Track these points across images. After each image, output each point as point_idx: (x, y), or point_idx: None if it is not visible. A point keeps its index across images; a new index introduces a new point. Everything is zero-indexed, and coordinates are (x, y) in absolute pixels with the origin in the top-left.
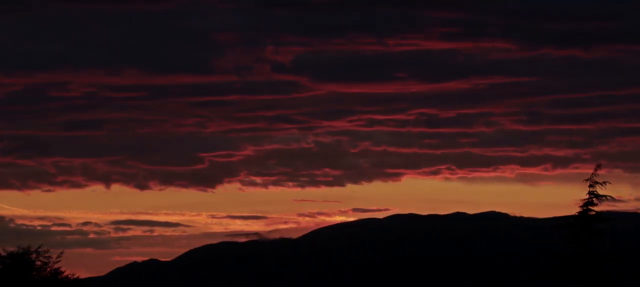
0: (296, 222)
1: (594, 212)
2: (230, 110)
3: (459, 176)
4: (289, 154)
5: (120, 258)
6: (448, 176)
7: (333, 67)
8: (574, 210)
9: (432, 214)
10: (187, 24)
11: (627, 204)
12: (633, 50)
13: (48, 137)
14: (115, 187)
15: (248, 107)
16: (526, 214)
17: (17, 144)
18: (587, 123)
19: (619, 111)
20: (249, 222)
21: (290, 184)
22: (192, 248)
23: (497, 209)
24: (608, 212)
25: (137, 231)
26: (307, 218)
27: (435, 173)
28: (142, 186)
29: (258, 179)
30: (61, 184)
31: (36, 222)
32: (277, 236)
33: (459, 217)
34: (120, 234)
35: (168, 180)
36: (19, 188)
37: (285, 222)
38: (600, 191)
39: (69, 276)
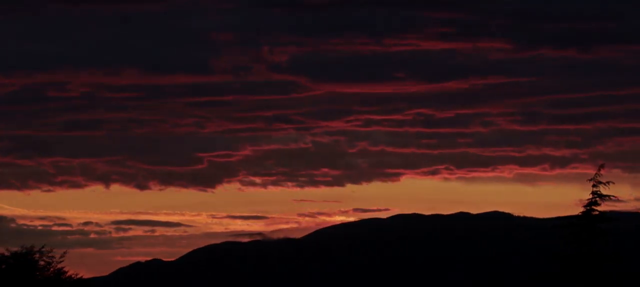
0: (297, 222)
1: (597, 212)
2: (228, 111)
3: (457, 176)
4: (288, 154)
5: (122, 258)
6: (447, 176)
7: (331, 67)
8: (576, 210)
9: (435, 214)
10: (185, 24)
11: (627, 204)
12: (631, 50)
13: (47, 137)
14: (115, 187)
15: (246, 107)
16: (527, 214)
17: (16, 144)
18: (585, 123)
19: (617, 111)
20: (249, 222)
21: (289, 184)
22: (194, 248)
23: (500, 209)
24: (609, 213)
25: (138, 231)
26: (307, 218)
27: (434, 173)
28: (141, 186)
29: (257, 179)
30: (61, 184)
31: (37, 222)
32: (279, 236)
33: (462, 217)
34: (121, 234)
35: (167, 180)
36: (18, 188)
37: (287, 222)
38: (604, 190)
39: (72, 276)
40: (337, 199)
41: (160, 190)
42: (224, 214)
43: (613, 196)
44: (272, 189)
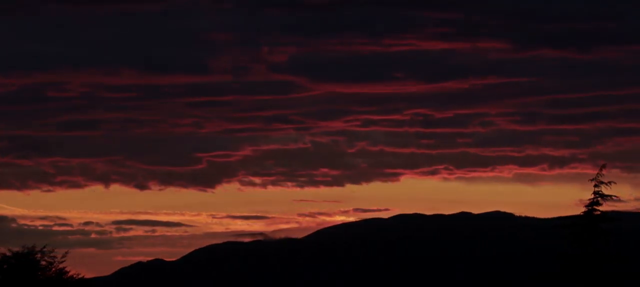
0: (297, 222)
1: (599, 212)
2: (227, 111)
3: (456, 175)
4: (287, 154)
5: (123, 258)
6: (446, 176)
7: (330, 68)
8: (576, 210)
9: (437, 214)
10: (184, 24)
11: (627, 204)
12: (630, 50)
13: (46, 137)
14: (115, 187)
15: (245, 108)
16: (528, 214)
17: (15, 144)
18: (583, 123)
19: (616, 111)
20: (249, 222)
21: (289, 184)
22: (196, 248)
23: (501, 209)
24: (610, 213)
25: (138, 231)
26: (307, 218)
27: (433, 173)
28: (141, 186)
29: (257, 179)
30: (60, 184)
31: (38, 222)
32: (281, 236)
33: (463, 217)
34: (122, 234)
35: (167, 180)
36: (18, 188)
37: (287, 222)
38: (605, 190)
39: (74, 276)
40: (337, 199)
41: (160, 190)
42: (224, 214)
43: (615, 196)
44: (271, 189)
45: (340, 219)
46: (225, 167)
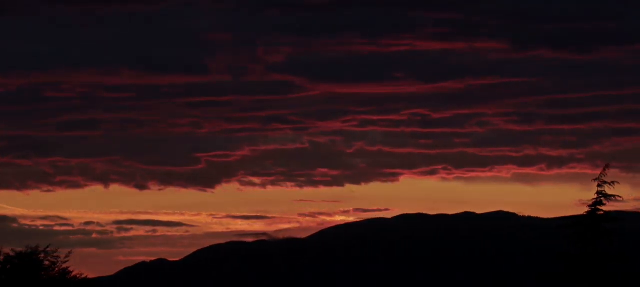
0: (298, 222)
1: (602, 212)
2: (225, 111)
3: (455, 175)
4: (285, 154)
5: (124, 258)
6: (445, 176)
7: (327, 68)
8: (577, 210)
9: (440, 214)
10: (182, 25)
11: (627, 204)
12: (626, 50)
13: (45, 138)
14: (114, 187)
15: (242, 108)
16: (528, 214)
17: (14, 144)
18: (581, 123)
19: (614, 111)
20: (250, 222)
21: (288, 184)
22: (198, 248)
23: (503, 209)
24: (612, 213)
25: (139, 231)
26: (308, 218)
27: (432, 173)
28: (141, 186)
29: (256, 179)
30: (60, 184)
31: (39, 222)
32: (283, 236)
33: (467, 217)
34: (123, 234)
35: (166, 180)
36: (18, 188)
37: (288, 222)
38: (609, 190)
39: (77, 276)
40: (337, 199)
41: (160, 190)
42: (225, 214)
43: (618, 196)
44: (271, 189)
45: (340, 219)
46: (225, 167)
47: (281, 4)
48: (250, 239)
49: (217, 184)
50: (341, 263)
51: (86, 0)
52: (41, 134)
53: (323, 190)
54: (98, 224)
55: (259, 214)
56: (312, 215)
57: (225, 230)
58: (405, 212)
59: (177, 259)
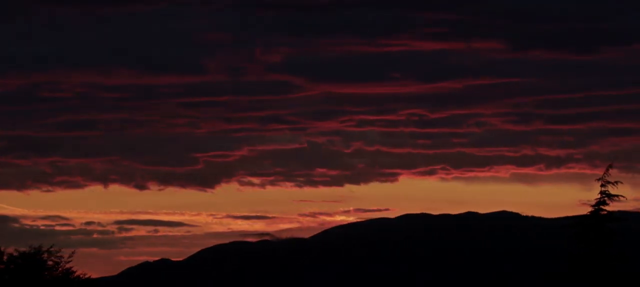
0: (299, 222)
1: (605, 212)
2: (222, 111)
3: (454, 175)
4: (284, 154)
5: (126, 258)
6: (443, 176)
7: (325, 68)
8: (579, 209)
9: (444, 214)
10: (180, 25)
11: (627, 203)
12: (624, 50)
13: (43, 138)
14: (114, 188)
15: (240, 108)
16: (530, 214)
17: (13, 144)
18: (579, 123)
19: (611, 111)
20: (250, 222)
21: (288, 184)
22: (200, 248)
23: (505, 209)
24: (614, 213)
25: (140, 231)
26: (308, 218)
27: (431, 173)
28: (140, 186)
29: (255, 180)
30: (60, 184)
31: (39, 222)
32: (285, 235)
33: (470, 216)
34: (124, 234)
35: (166, 180)
36: (18, 188)
37: (290, 222)
38: (612, 190)
39: (81, 276)
40: (337, 199)
41: (160, 190)
42: (225, 214)
43: (621, 196)
44: (270, 188)
45: (340, 219)
46: (223, 167)
47: (279, 4)
48: (253, 239)
49: (216, 184)
50: (345, 263)
51: (85, 0)
52: (40, 134)
53: (322, 190)
54: (99, 224)
55: (259, 214)
56: (313, 215)
57: (226, 230)
58: (406, 212)
59: (181, 259)
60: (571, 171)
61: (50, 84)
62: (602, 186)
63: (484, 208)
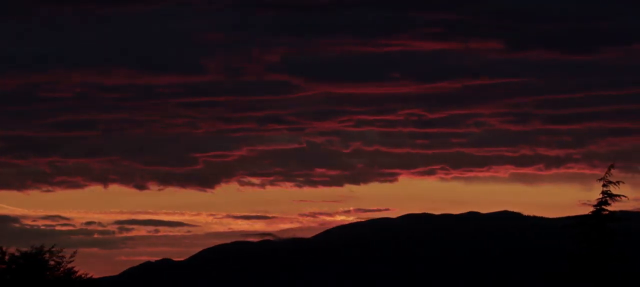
0: (299, 222)
1: (607, 212)
2: (221, 111)
3: (453, 175)
4: (283, 155)
5: (126, 258)
6: (443, 176)
7: (324, 68)
8: (580, 209)
9: (445, 214)
10: (178, 25)
11: (627, 203)
12: (622, 50)
13: (42, 138)
14: (114, 188)
15: (239, 108)
16: (530, 213)
17: (12, 144)
18: (577, 123)
19: (609, 111)
20: (250, 221)
21: (288, 184)
22: (201, 248)
23: (506, 209)
24: (617, 213)
25: (141, 231)
26: (308, 218)
27: (430, 173)
28: (140, 186)
29: (255, 179)
30: (59, 184)
31: (40, 222)
32: (286, 235)
33: (472, 216)
34: (125, 234)
35: (165, 180)
36: (18, 188)
37: (291, 222)
38: (614, 190)
39: (83, 276)
40: (337, 199)
41: (159, 190)
42: (225, 214)
43: (623, 196)
44: (270, 188)
45: (340, 219)
46: (223, 167)
47: (278, 5)
48: (255, 239)
49: (216, 184)
50: (349, 263)
51: (85, 0)
52: (39, 134)
53: (322, 190)
54: (99, 224)
55: (259, 214)
56: (313, 215)
57: (227, 230)
58: (407, 212)
59: (182, 259)
60: (570, 170)
61: (50, 84)
62: (604, 186)
63: (485, 208)
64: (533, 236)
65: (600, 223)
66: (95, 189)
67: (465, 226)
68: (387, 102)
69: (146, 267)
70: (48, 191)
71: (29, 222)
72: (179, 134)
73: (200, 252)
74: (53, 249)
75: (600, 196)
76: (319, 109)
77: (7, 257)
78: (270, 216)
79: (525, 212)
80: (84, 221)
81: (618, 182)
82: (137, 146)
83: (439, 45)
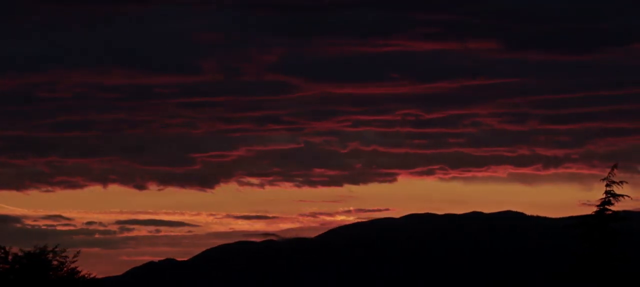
0: (300, 222)
1: (610, 212)
2: (219, 111)
3: (452, 175)
4: (282, 155)
5: (128, 258)
6: (442, 176)
7: (322, 68)
8: (582, 209)
9: (448, 214)
10: (176, 25)
11: (629, 203)
12: (620, 51)
13: (41, 138)
14: (113, 188)
15: (237, 108)
16: (534, 213)
17: (10, 144)
18: (575, 123)
19: (607, 111)
20: (251, 221)
21: (287, 184)
22: (203, 248)
23: (509, 209)
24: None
25: (142, 231)
26: (309, 218)
27: (429, 173)
28: (139, 186)
29: (255, 180)
30: (59, 184)
31: (41, 222)
32: (287, 235)
33: (475, 216)
34: (126, 234)
35: (165, 180)
36: (17, 188)
37: (292, 222)
38: (617, 190)
39: (86, 276)
40: (337, 199)
41: (159, 190)
42: (225, 214)
43: (627, 196)
44: (269, 188)
45: (340, 219)
46: (222, 167)
47: (276, 5)
48: (257, 239)
49: (215, 184)
50: (352, 263)
51: (84, 0)
52: (37, 134)
53: (322, 190)
54: (100, 224)
55: (259, 214)
56: (313, 215)
57: (228, 230)
58: (407, 212)
59: (186, 258)
60: (568, 171)
61: (48, 84)
62: (607, 186)
63: (487, 208)
64: (537, 235)
65: (602, 223)
66: (95, 189)
67: (470, 225)
68: (384, 102)
69: (149, 267)
70: (47, 191)
71: (31, 222)
72: (176, 135)
73: (203, 252)
74: (56, 249)
75: (603, 195)
76: (317, 109)
77: (10, 257)
78: (270, 216)
79: (527, 212)
80: (85, 221)
81: (621, 182)
82: (136, 147)
83: (437, 45)
